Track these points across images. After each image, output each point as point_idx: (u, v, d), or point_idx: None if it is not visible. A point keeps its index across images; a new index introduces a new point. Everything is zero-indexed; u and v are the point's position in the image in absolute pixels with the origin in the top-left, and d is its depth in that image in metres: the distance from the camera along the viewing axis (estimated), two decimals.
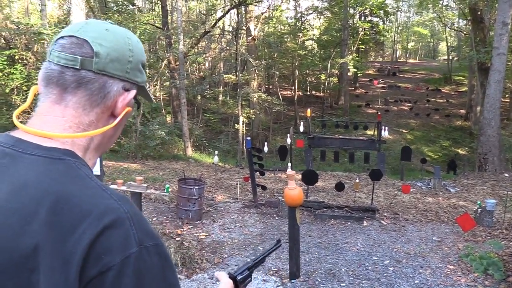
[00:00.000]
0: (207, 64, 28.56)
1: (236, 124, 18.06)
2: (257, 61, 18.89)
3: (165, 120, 16.34)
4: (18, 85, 14.53)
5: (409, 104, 31.97)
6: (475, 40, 18.68)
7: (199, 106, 24.64)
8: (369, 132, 22.63)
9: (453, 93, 35.08)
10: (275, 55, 24.58)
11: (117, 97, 0.87)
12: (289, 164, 9.28)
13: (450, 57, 40.96)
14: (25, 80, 14.07)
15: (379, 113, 15.70)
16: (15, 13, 28.51)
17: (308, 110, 14.26)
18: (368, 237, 6.87)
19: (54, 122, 0.82)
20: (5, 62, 13.59)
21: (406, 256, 5.92)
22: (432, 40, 53.38)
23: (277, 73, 26.88)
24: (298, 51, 25.19)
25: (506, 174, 13.81)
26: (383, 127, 13.53)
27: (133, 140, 13.73)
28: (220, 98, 26.20)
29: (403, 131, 27.58)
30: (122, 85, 0.88)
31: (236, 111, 24.84)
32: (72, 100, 0.82)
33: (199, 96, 23.32)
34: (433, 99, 32.85)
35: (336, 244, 6.44)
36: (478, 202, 8.12)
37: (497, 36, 13.46)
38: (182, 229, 6.98)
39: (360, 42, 32.22)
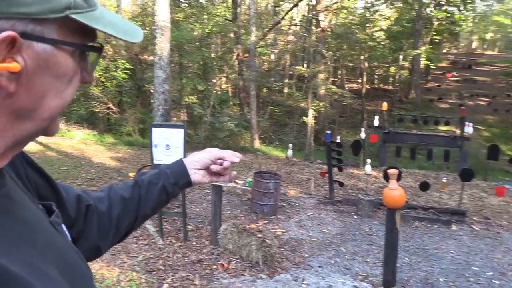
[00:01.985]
0: (272, 57, 28.27)
1: (304, 117, 17.64)
2: (330, 52, 18.24)
3: (233, 112, 16.29)
4: (98, 76, 15.09)
5: (486, 99, 29.76)
6: None
7: (264, 99, 24.44)
8: (442, 128, 21.27)
9: None
10: (344, 46, 23.78)
11: None
12: (368, 161, 8.76)
13: None
14: (104, 71, 14.56)
15: (463, 107, 14.58)
16: None
17: (384, 104, 13.55)
18: (461, 244, 6.24)
19: None
20: None
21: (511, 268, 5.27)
22: None
23: (350, 64, 26.00)
24: (369, 43, 24.16)
25: None
26: (466, 123, 12.53)
27: (202, 131, 13.77)
28: (286, 91, 25.82)
29: (480, 127, 25.73)
30: None
31: (302, 104, 24.40)
32: None
33: (264, 88, 23.11)
34: None
35: (426, 249, 5.90)
36: None
37: None
38: (257, 224, 6.75)
39: (434, 33, 30.40)
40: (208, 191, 8.55)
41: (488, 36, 51.37)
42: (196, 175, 1.12)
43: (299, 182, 10.38)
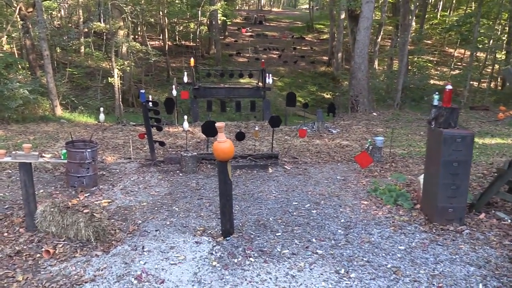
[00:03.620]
0: (62, 12, 25.17)
1: (109, 78, 16.46)
2: (129, 7, 17.14)
3: (27, 76, 14.06)
4: None
5: (277, 52, 32.94)
6: None
7: (59, 60, 21.86)
8: (244, 80, 22.81)
9: (315, 40, 37.10)
10: (142, 1, 22.72)
11: None
12: (185, 117, 8.75)
13: (311, 6, 42.96)
14: None
15: (263, 60, 15.76)
16: None
17: (192, 60, 13.63)
18: (279, 184, 6.90)
19: None
20: None
21: (322, 197, 6.08)
22: None
23: (152, 20, 25.01)
24: None
25: (374, 113, 15.23)
26: (267, 74, 13.64)
27: None
28: (83, 50, 23.55)
29: (274, 78, 28.47)
30: None
31: (103, 64, 22.71)
32: None
33: (57, 48, 20.59)
34: (298, 47, 34.35)
35: (251, 194, 6.32)
36: (369, 140, 8.72)
37: None
38: (78, 198, 6.15)
39: None
40: (10, 171, 7.33)
41: None
42: None
43: (116, 147, 9.79)
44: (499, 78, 25.30)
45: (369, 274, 3.71)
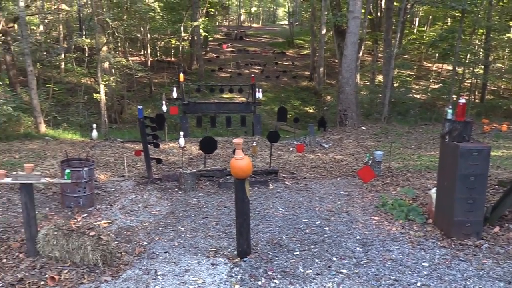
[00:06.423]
0: (41, 27, 24.65)
1: (94, 94, 16.09)
2: (116, 22, 16.88)
3: (8, 93, 13.56)
4: None
5: (259, 67, 33.05)
6: (331, 4, 19.91)
7: (39, 76, 21.31)
8: (226, 96, 22.67)
9: (296, 56, 37.43)
10: (125, 16, 22.49)
11: None
12: (181, 133, 8.53)
13: (291, 22, 43.47)
14: None
15: (253, 75, 15.74)
16: None
17: (181, 75, 13.45)
18: (283, 200, 6.73)
19: None
20: None
21: (331, 213, 5.94)
22: (272, 6, 55.95)
23: (133, 36, 24.72)
24: (150, 13, 23.48)
25: (363, 128, 15.29)
26: (257, 89, 13.57)
27: None
28: (63, 66, 23.06)
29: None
30: None
31: (84, 80, 22.27)
32: None
33: (38, 64, 20.06)
34: (280, 62, 34.56)
35: (257, 211, 6.13)
36: (368, 154, 8.67)
37: (352, 0, 14.42)
38: (75, 220, 5.84)
39: (209, 5, 31.73)
40: (0, 192, 6.94)
41: (253, 10, 56.88)
42: None
43: (107, 165, 9.46)
44: (476, 92, 25.94)
45: None
